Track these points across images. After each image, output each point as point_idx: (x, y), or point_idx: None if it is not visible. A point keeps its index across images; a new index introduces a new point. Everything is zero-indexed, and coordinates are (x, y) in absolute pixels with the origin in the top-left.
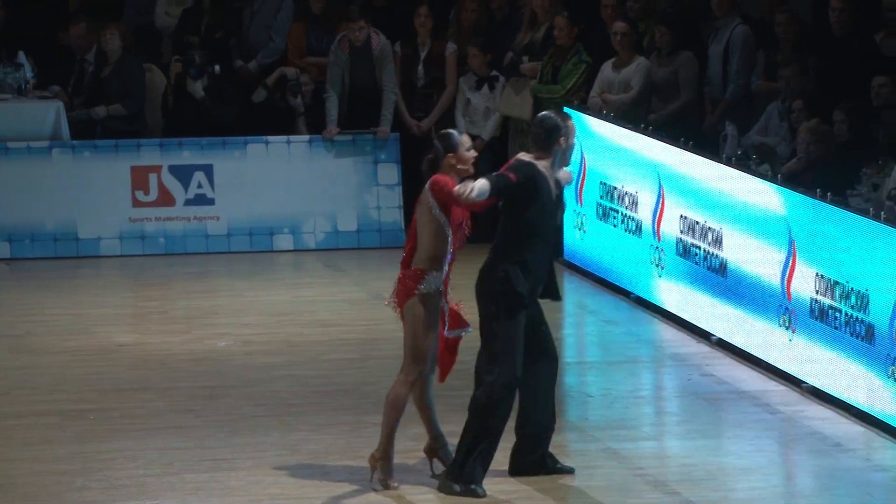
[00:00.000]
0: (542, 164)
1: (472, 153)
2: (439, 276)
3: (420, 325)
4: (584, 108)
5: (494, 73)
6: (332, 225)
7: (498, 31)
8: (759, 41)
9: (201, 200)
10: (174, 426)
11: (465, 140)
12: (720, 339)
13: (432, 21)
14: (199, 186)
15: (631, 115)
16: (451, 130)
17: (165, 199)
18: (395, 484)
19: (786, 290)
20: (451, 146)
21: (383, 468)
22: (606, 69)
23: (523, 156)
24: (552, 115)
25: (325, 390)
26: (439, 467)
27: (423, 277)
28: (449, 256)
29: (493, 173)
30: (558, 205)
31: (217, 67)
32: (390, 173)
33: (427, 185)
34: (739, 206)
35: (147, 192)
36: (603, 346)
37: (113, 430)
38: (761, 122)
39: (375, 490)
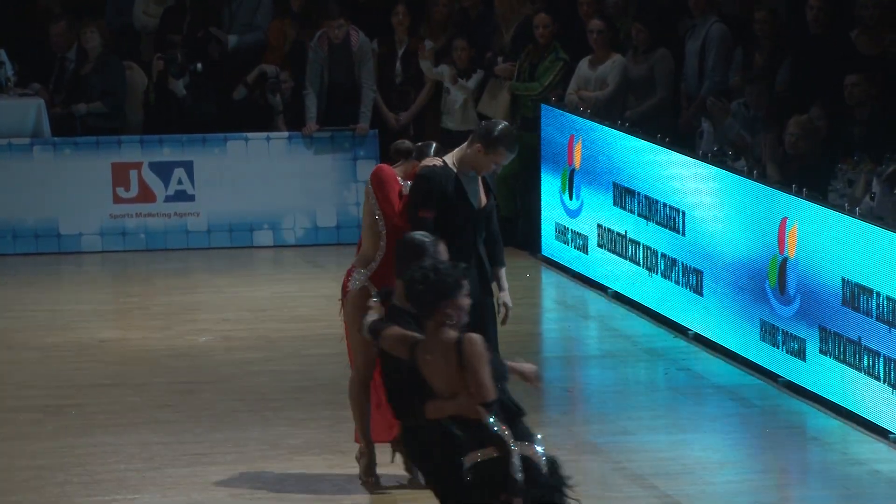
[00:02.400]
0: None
1: None
2: (366, 273)
3: (350, 322)
4: (562, 104)
5: (476, 68)
6: (312, 221)
7: (476, 29)
8: (736, 38)
9: (182, 197)
10: (154, 421)
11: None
12: (697, 333)
13: (409, 19)
14: (180, 183)
15: (607, 112)
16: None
17: (146, 195)
18: (371, 479)
19: (769, 285)
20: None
21: (362, 464)
22: (583, 66)
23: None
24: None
25: (305, 385)
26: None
27: (351, 275)
28: (380, 254)
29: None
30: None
31: (199, 65)
32: (369, 170)
33: (370, 175)
34: (716, 200)
35: (128, 189)
36: (581, 341)
37: (92, 425)
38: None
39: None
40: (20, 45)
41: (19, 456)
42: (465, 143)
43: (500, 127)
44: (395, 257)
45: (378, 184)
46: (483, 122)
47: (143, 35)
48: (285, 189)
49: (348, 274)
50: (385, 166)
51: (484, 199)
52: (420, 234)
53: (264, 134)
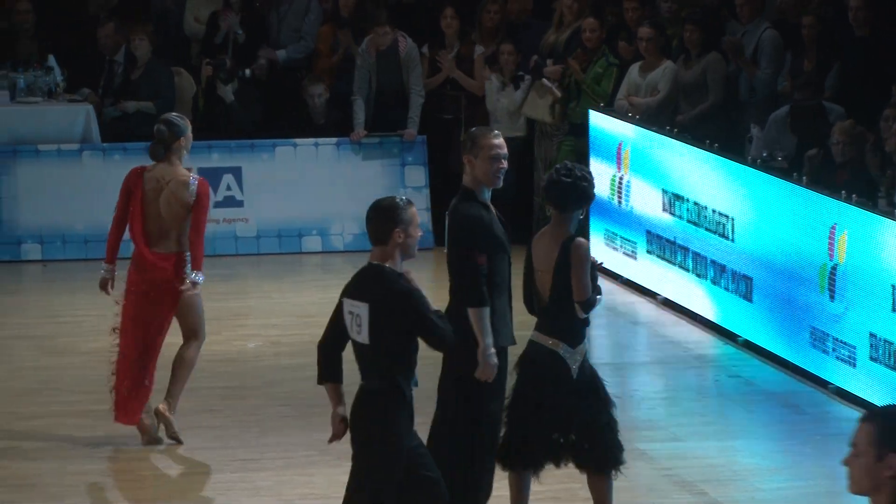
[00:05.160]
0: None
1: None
2: None
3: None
4: (611, 110)
5: (520, 73)
6: (360, 227)
7: (522, 34)
8: (785, 43)
9: (230, 203)
10: (202, 426)
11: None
12: (746, 339)
13: (458, 23)
14: (228, 189)
15: (657, 118)
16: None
17: None
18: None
19: (818, 291)
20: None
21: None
22: (633, 72)
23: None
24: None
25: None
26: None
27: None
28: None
29: None
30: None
31: (247, 71)
32: (417, 175)
33: None
34: (765, 206)
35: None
36: (630, 348)
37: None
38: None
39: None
40: (69, 51)
41: (66, 460)
42: (464, 172)
43: (471, 130)
44: (366, 220)
45: None
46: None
47: (192, 41)
48: (334, 195)
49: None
50: None
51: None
52: (392, 197)
53: (313, 140)
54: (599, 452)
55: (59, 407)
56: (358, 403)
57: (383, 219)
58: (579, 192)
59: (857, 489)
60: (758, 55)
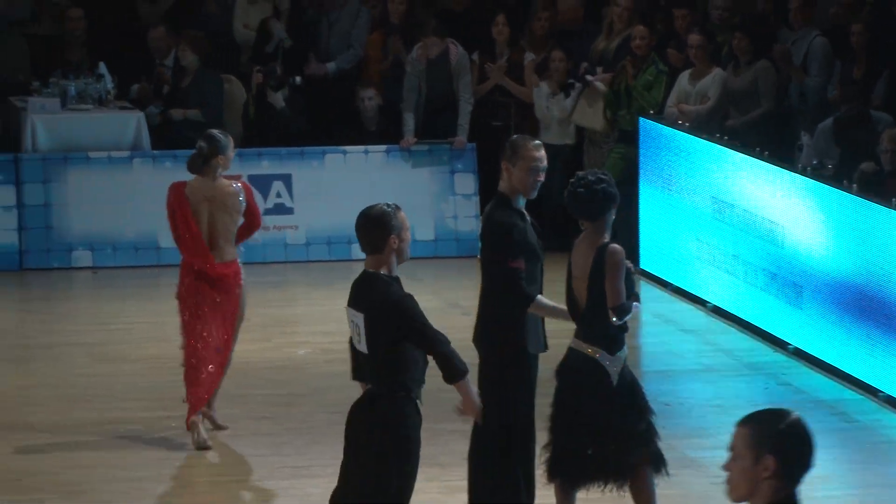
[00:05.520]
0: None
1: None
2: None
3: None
4: (660, 118)
5: (570, 80)
6: (410, 234)
7: (573, 41)
8: (835, 51)
9: (280, 210)
10: (253, 433)
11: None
12: (797, 347)
13: (509, 30)
14: (279, 196)
15: (707, 126)
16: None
17: None
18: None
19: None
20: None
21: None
22: (683, 80)
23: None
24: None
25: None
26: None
27: None
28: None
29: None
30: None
31: (298, 78)
32: (467, 183)
33: None
34: (815, 214)
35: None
36: (680, 356)
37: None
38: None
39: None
40: (120, 58)
41: (118, 467)
42: (501, 179)
43: (513, 137)
44: (357, 229)
45: None
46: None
47: (242, 48)
48: (383, 202)
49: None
50: None
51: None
52: (379, 205)
53: (362, 147)
54: (636, 460)
55: (112, 414)
56: (365, 406)
57: (377, 227)
58: (601, 197)
59: (736, 495)
60: (807, 62)
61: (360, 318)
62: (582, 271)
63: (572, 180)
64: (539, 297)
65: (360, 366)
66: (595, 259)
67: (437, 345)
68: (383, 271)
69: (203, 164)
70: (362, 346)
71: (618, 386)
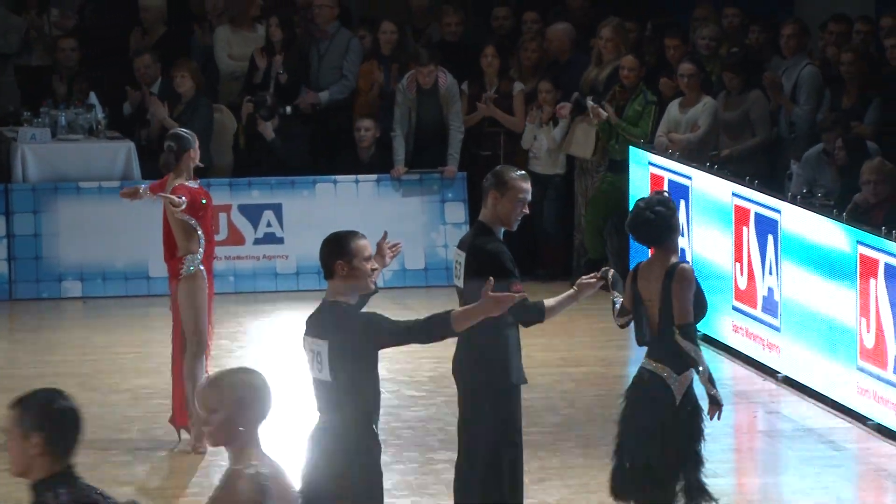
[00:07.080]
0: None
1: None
2: (198, 258)
3: (188, 302)
4: (650, 147)
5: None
6: (400, 263)
7: (562, 72)
8: (825, 80)
9: (271, 239)
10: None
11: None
12: (786, 376)
13: (499, 61)
14: (269, 225)
15: (697, 155)
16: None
17: (235, 238)
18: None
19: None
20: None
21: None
22: (673, 109)
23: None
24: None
25: (393, 427)
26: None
27: (183, 261)
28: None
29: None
30: None
31: (288, 109)
32: (457, 212)
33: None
34: (804, 244)
35: (217, 231)
36: None
37: (181, 468)
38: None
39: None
40: (112, 87)
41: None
42: (483, 207)
43: (498, 168)
44: (321, 254)
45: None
46: (486, 178)
47: (224, 79)
48: (374, 232)
49: (179, 261)
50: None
51: None
52: (340, 231)
53: (353, 176)
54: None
55: (103, 445)
56: (323, 439)
57: (326, 251)
58: (662, 221)
59: (16, 470)
60: (797, 91)
61: (323, 345)
62: (652, 294)
63: (639, 202)
64: (545, 304)
65: (318, 396)
66: (665, 279)
67: (419, 324)
68: (341, 299)
69: (176, 160)
70: (324, 374)
71: (679, 406)
